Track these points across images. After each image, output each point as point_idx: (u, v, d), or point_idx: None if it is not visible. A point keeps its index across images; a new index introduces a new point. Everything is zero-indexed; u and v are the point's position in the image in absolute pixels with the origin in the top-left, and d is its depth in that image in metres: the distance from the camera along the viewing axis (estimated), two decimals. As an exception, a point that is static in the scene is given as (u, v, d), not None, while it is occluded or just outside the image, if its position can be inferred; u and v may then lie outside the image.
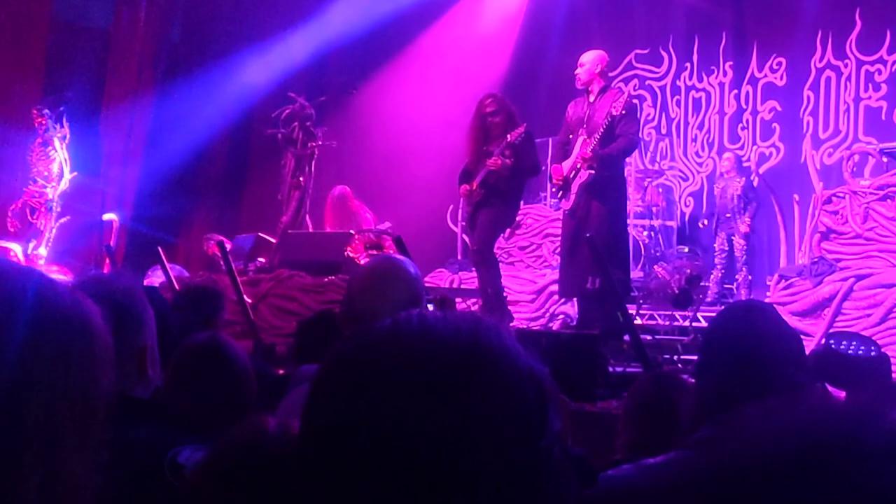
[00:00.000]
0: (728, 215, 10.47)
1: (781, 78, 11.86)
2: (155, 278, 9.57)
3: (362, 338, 0.96)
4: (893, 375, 5.28)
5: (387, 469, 0.88)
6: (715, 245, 10.59)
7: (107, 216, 11.12)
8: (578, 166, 7.32)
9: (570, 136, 7.55)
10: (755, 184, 10.78)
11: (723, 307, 3.59)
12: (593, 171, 7.25)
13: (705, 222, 10.99)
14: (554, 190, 7.96)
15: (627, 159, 8.63)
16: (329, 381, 0.95)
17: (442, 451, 0.88)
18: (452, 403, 0.88)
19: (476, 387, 0.90)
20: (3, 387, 0.98)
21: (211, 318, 4.37)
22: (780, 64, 11.87)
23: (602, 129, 7.20)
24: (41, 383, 1.00)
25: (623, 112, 7.23)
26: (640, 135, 9.73)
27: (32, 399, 0.99)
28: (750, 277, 10.28)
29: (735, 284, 10.31)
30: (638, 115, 8.16)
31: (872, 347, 5.17)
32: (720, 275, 10.44)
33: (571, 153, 7.45)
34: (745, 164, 11.03)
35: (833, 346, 5.21)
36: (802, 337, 6.90)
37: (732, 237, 10.41)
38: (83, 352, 1.04)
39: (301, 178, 9.97)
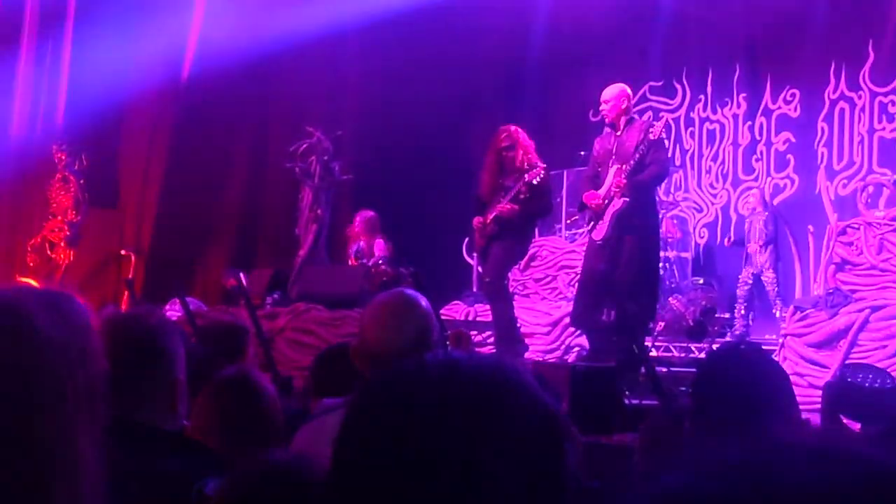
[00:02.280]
0: (754, 251, 10.44)
1: (795, 109, 11.88)
2: (173, 312, 9.63)
3: (390, 376, 1.02)
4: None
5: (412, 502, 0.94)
6: (740, 277, 10.53)
7: (125, 250, 11.22)
8: (612, 195, 7.32)
9: (600, 170, 7.55)
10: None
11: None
12: (627, 199, 7.24)
13: (731, 237, 10.91)
14: (571, 221, 7.95)
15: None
16: (359, 418, 1.01)
17: (464, 483, 0.94)
18: (474, 440, 0.95)
19: (496, 424, 0.96)
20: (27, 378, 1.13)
21: (237, 353, 4.39)
22: (793, 95, 11.90)
23: (637, 156, 7.22)
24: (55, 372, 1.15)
25: (657, 138, 7.26)
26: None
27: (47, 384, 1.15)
28: (786, 312, 10.14)
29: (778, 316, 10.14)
30: (666, 143, 8.13)
31: (888, 379, 5.17)
32: (743, 309, 10.39)
33: (602, 185, 7.44)
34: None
35: (848, 378, 5.21)
36: (818, 368, 6.89)
37: (760, 274, 10.37)
38: (84, 346, 1.20)
39: (319, 212, 10.04)
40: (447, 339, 3.45)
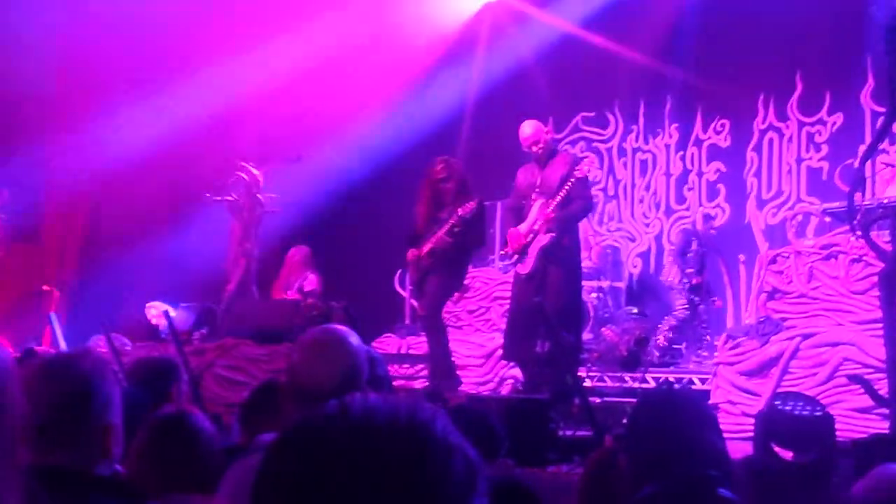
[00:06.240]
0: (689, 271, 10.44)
1: (725, 139, 12.03)
2: (97, 348, 9.36)
3: (310, 420, 1.03)
4: (836, 434, 5.28)
5: None
6: (678, 303, 10.48)
7: (47, 285, 10.93)
8: (536, 229, 7.33)
9: (523, 202, 7.58)
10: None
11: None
12: (553, 234, 7.27)
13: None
14: (504, 253, 7.96)
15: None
16: (278, 463, 1.01)
17: None
18: (393, 478, 0.96)
19: (413, 463, 0.97)
20: None
21: (166, 391, 4.27)
22: (723, 126, 12.04)
23: (563, 192, 7.25)
24: None
25: (583, 175, 7.30)
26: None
27: None
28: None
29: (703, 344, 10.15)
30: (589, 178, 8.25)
31: (817, 407, 5.17)
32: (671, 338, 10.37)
33: (526, 218, 7.47)
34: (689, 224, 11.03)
35: (779, 406, 5.21)
36: (750, 396, 6.92)
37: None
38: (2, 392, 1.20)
39: (247, 246, 9.87)
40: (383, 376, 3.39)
